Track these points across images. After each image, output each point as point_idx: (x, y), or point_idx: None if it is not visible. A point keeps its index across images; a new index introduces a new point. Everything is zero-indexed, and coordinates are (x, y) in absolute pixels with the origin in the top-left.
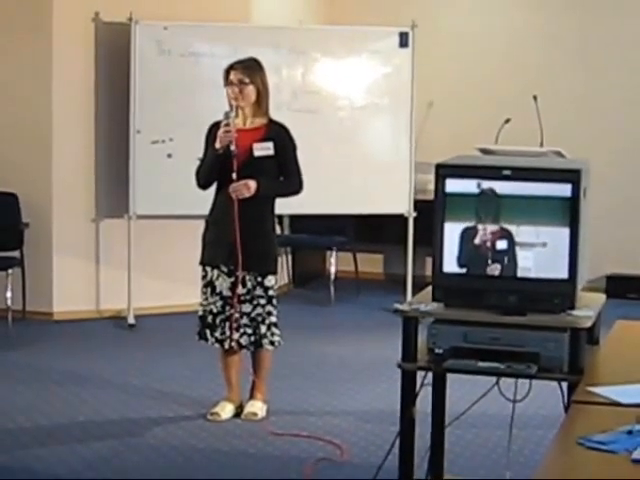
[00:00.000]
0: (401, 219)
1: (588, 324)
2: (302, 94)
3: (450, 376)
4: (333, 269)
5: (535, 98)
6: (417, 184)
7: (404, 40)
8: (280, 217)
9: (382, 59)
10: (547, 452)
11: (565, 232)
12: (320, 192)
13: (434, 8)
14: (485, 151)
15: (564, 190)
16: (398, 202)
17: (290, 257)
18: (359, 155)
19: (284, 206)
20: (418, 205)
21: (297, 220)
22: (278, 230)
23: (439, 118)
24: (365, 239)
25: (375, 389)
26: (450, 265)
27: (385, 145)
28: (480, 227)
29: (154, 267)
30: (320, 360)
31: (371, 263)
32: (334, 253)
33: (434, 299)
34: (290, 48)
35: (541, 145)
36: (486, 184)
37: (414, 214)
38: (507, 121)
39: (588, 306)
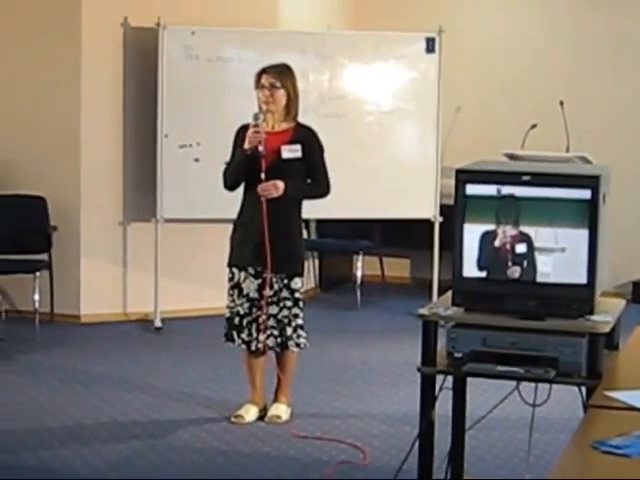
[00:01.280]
0: (427, 224)
1: (606, 329)
2: (329, 99)
3: (471, 380)
4: (359, 273)
5: (561, 103)
6: (443, 189)
7: (431, 45)
8: (307, 221)
9: (409, 64)
10: (561, 455)
11: (584, 236)
12: (347, 196)
13: (461, 13)
14: (511, 156)
15: (583, 194)
16: (425, 207)
17: (317, 261)
18: (386, 160)
19: (311, 210)
20: (444, 210)
21: (324, 224)
22: (305, 234)
23: (466, 123)
24: (392, 243)
25: (399, 393)
26: (470, 269)
27: (412, 150)
28: (499, 230)
29: (181, 270)
30: (345, 364)
31: (398, 267)
32: (360, 257)
33: (454, 303)
34: (317, 53)
35: (567, 151)
36: (506, 189)
37: (440, 219)
38: (533, 126)
39: (607, 311)
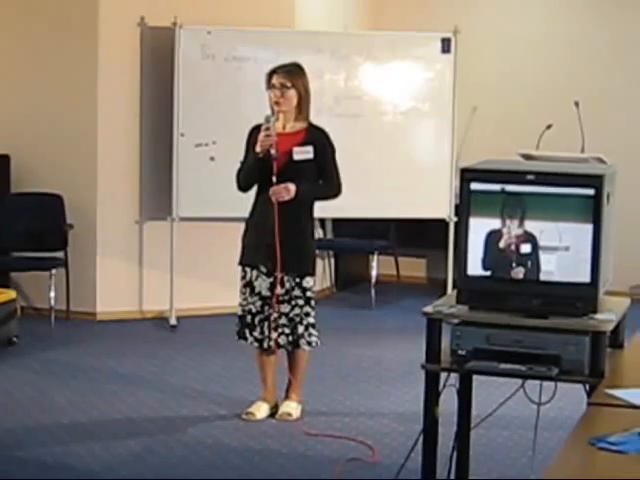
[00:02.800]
0: (443, 223)
1: (609, 328)
2: (344, 99)
3: (476, 379)
4: (374, 273)
5: (577, 104)
6: (458, 189)
7: (446, 46)
8: (323, 221)
9: (424, 64)
10: (559, 452)
11: (588, 233)
12: (362, 196)
13: (476, 14)
14: (526, 156)
15: (587, 192)
16: (440, 206)
17: (333, 261)
18: (401, 160)
19: (327, 210)
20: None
21: (340, 224)
22: (321, 234)
23: (482, 123)
24: (407, 243)
25: (410, 391)
26: (474, 268)
27: (427, 150)
28: (504, 230)
29: (196, 269)
30: (358, 362)
31: (413, 267)
32: (376, 257)
33: (458, 301)
34: (333, 53)
35: (582, 151)
36: (510, 188)
37: (455, 219)
38: (549, 127)
39: (611, 310)
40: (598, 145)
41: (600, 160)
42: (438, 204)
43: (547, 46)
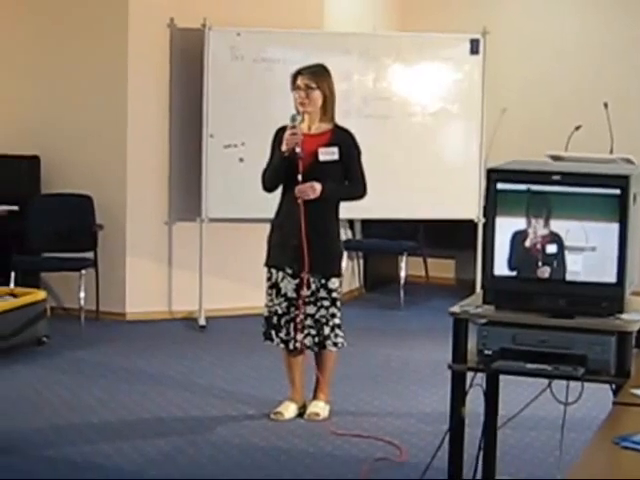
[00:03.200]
0: (471, 224)
1: (636, 328)
2: (373, 100)
3: (503, 379)
4: (403, 274)
5: (606, 105)
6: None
7: (475, 47)
8: (352, 222)
9: (453, 66)
10: (583, 451)
11: (614, 232)
12: (391, 197)
13: (505, 15)
14: (555, 157)
15: (613, 192)
16: (468, 207)
17: (362, 262)
18: (430, 161)
19: (356, 211)
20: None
21: (368, 225)
22: (350, 235)
23: (511, 124)
24: (436, 244)
25: (438, 392)
26: (501, 268)
27: (456, 151)
28: (530, 230)
29: (225, 269)
30: (386, 363)
31: (442, 268)
32: (404, 258)
33: (485, 301)
34: (361, 54)
35: (611, 152)
36: (536, 188)
37: (484, 220)
38: (578, 128)
39: (637, 310)
40: (627, 146)
41: (629, 161)
42: (467, 205)
43: (576, 47)
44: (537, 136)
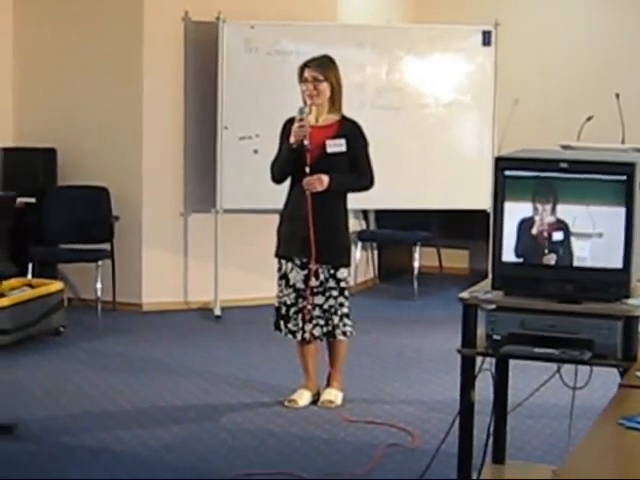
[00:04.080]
0: (484, 215)
1: None
2: (386, 91)
3: (512, 367)
4: (417, 264)
5: (617, 96)
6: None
7: (487, 39)
8: (365, 212)
9: (465, 57)
10: (588, 431)
11: (621, 217)
12: (404, 188)
13: (517, 7)
14: (566, 147)
15: (619, 178)
16: (481, 198)
17: (376, 252)
18: (443, 152)
19: (369, 201)
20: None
21: (382, 216)
22: (364, 225)
23: (523, 115)
24: (450, 235)
25: (451, 380)
26: (508, 255)
27: (468, 142)
28: (537, 218)
29: (240, 260)
30: (399, 351)
31: (456, 258)
32: (418, 248)
33: (493, 287)
34: (374, 46)
35: (623, 142)
36: (543, 175)
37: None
38: (589, 118)
39: None
40: (639, 136)
41: (638, 150)
42: (479, 195)
43: (587, 38)
44: (549, 127)
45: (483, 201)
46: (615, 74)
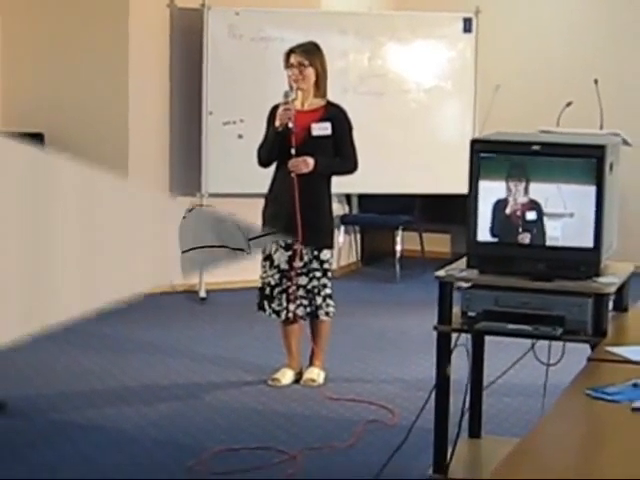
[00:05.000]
0: (466, 199)
1: (611, 290)
2: (368, 77)
3: (488, 345)
4: (399, 248)
5: (596, 82)
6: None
7: (468, 26)
8: (349, 197)
9: (447, 44)
10: (555, 401)
11: (591, 199)
12: (387, 172)
13: None
14: (545, 132)
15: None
16: (462, 182)
17: (359, 236)
18: (424, 136)
19: (352, 186)
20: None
21: (365, 200)
22: (347, 209)
23: (505, 101)
24: (432, 219)
25: (430, 359)
26: (483, 234)
27: (449, 127)
28: (510, 199)
29: None
30: (381, 333)
31: (437, 242)
32: (400, 232)
33: (469, 266)
34: (357, 33)
35: (601, 128)
36: (516, 157)
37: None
38: (569, 104)
39: (615, 274)
40: (617, 122)
41: (615, 135)
42: (461, 180)
43: (567, 25)
44: (530, 112)
45: (464, 185)
46: (594, 60)
